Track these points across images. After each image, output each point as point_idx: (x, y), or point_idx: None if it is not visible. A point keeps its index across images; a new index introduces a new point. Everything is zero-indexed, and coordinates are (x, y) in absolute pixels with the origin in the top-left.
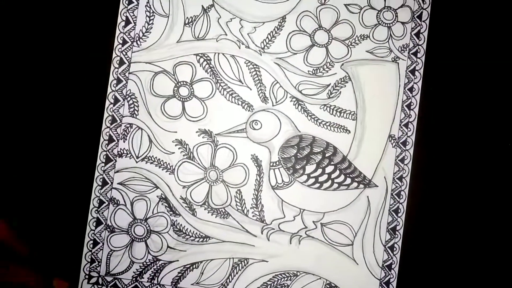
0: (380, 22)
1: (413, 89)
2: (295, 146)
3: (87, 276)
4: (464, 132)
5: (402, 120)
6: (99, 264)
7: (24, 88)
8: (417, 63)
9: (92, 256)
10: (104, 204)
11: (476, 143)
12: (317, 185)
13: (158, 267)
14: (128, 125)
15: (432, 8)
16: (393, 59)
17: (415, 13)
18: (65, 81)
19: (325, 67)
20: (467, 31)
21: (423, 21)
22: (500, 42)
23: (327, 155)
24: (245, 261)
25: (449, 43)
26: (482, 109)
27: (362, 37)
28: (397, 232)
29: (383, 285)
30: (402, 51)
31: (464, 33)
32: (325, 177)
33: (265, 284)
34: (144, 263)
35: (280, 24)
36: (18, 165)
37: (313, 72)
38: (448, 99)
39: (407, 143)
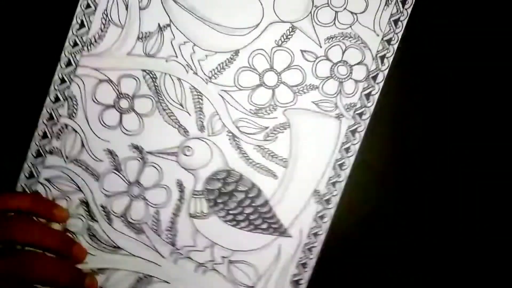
0: (333, 75)
1: (349, 150)
2: (221, 180)
3: None
4: (393, 196)
5: (331, 178)
6: None
7: None
8: (359, 125)
9: None
10: None
11: (401, 203)
12: (234, 222)
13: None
14: (64, 125)
15: (390, 72)
16: (336, 115)
17: (370, 73)
18: (10, 75)
19: (268, 109)
20: (416, 103)
21: (377, 83)
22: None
23: (250, 195)
24: (149, 278)
25: (396, 111)
26: (411, 178)
27: (311, 87)
28: (300, 286)
29: None
30: (348, 110)
31: (412, 105)
32: (243, 216)
33: None
34: None
35: (232, 57)
36: None
37: (255, 111)
38: (381, 167)
39: (330, 202)
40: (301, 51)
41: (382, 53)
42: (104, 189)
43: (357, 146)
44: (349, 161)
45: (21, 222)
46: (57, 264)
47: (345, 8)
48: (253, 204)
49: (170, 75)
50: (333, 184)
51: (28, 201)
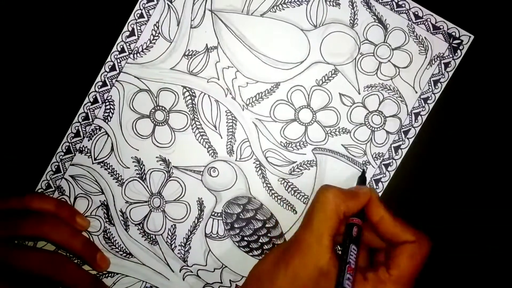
0: (366, 123)
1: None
2: (241, 206)
3: None
4: None
5: None
6: None
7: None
8: (384, 175)
9: None
10: (51, 189)
11: None
12: (248, 249)
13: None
14: (97, 127)
15: (422, 129)
16: (363, 162)
17: (403, 127)
18: (54, 71)
19: (298, 144)
20: (442, 165)
21: (408, 138)
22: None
23: (267, 225)
24: None
25: (422, 167)
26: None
27: (344, 131)
28: None
29: None
30: (376, 159)
31: (438, 167)
32: (257, 244)
33: None
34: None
35: (272, 88)
36: None
37: (285, 145)
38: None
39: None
40: (340, 94)
41: (417, 110)
42: (126, 195)
43: (379, 195)
44: None
45: (54, 221)
46: (81, 270)
47: (389, 61)
48: (269, 235)
49: (209, 96)
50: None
51: (53, 205)
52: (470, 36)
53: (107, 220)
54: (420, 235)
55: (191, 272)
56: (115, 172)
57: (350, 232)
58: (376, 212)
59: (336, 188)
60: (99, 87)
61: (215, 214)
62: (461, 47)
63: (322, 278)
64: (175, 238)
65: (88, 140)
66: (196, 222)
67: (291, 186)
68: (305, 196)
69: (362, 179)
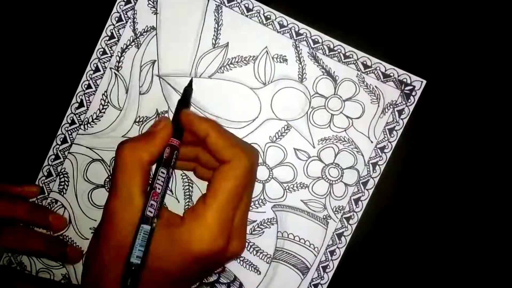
0: (323, 176)
1: (334, 253)
2: None
3: None
4: None
5: (314, 280)
6: None
7: None
8: (346, 229)
9: None
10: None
11: None
12: None
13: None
14: (54, 200)
15: (380, 179)
16: (324, 217)
17: (361, 178)
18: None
19: (256, 202)
20: (404, 211)
21: (367, 189)
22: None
23: None
24: None
25: (382, 222)
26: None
27: (302, 186)
28: None
29: None
30: (336, 212)
31: (399, 215)
32: None
33: None
34: None
35: None
36: None
37: None
38: (363, 275)
39: None
40: (294, 149)
41: (375, 160)
42: None
43: (343, 250)
44: (333, 264)
45: None
46: (16, 200)
47: (341, 112)
48: None
49: None
50: (315, 286)
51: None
52: (422, 81)
53: None
54: (238, 153)
55: None
56: (75, 245)
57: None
58: (201, 128)
59: (131, 139)
60: (52, 160)
61: None
62: (413, 93)
63: None
64: None
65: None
66: None
67: (253, 246)
68: (268, 256)
69: (183, 101)
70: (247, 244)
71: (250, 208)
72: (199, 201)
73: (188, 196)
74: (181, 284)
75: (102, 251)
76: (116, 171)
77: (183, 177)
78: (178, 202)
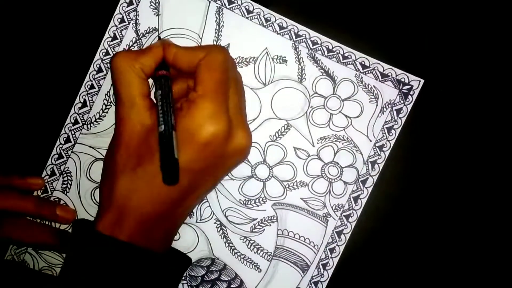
0: (323, 174)
1: (334, 251)
2: (205, 268)
3: None
4: None
5: (314, 277)
6: None
7: None
8: (345, 227)
9: None
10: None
11: None
12: None
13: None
14: (57, 199)
15: (379, 178)
16: (324, 215)
17: (360, 177)
18: (11, 144)
19: (257, 201)
20: (404, 210)
21: (366, 187)
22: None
23: (232, 286)
24: None
25: (383, 216)
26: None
27: (301, 184)
28: None
29: None
30: (336, 210)
31: (399, 212)
32: None
33: None
34: None
35: None
36: None
37: (245, 202)
38: (365, 268)
39: None
40: (294, 148)
41: (373, 159)
42: None
43: (342, 248)
44: (333, 262)
45: None
46: (24, 195)
47: (340, 112)
48: None
49: None
50: (315, 283)
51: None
52: (420, 81)
53: None
54: (210, 47)
55: None
56: None
57: (156, 83)
58: (170, 52)
59: (125, 51)
60: (55, 159)
61: None
62: (411, 92)
63: (151, 135)
64: None
65: None
66: None
67: (253, 244)
68: (268, 253)
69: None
70: (247, 242)
71: (251, 206)
72: (191, 92)
73: None
74: (203, 177)
75: (115, 152)
76: (114, 80)
77: None
78: None
